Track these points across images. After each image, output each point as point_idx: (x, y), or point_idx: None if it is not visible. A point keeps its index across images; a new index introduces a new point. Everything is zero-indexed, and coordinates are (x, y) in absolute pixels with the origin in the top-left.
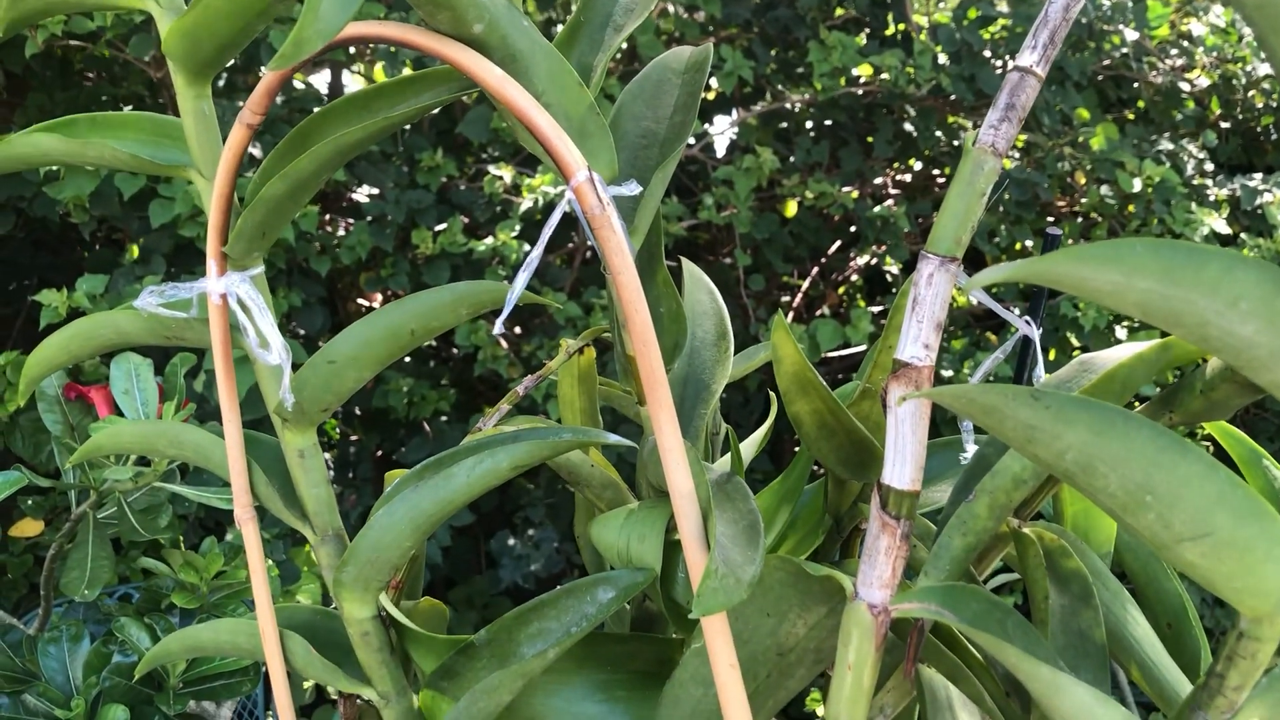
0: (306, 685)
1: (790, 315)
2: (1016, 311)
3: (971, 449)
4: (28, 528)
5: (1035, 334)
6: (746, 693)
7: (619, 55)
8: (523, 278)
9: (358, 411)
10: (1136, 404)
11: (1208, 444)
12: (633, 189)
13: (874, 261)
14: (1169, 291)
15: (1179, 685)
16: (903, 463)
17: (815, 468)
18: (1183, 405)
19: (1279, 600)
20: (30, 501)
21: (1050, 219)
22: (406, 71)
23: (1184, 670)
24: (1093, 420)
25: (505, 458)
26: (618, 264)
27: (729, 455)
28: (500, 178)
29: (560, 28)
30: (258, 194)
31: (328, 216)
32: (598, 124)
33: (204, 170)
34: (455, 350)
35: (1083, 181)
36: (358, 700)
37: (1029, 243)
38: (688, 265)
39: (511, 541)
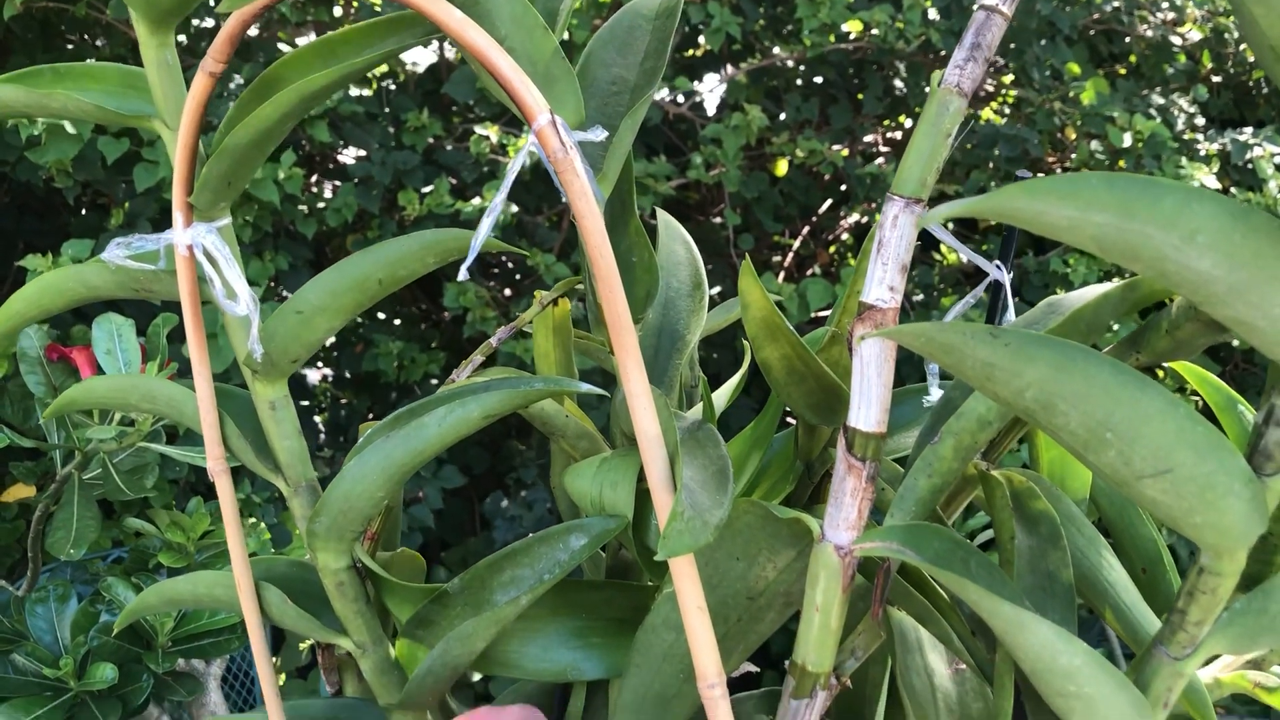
0: (303, 646)
1: (781, 274)
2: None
3: (936, 393)
4: (19, 492)
5: (1005, 278)
6: (716, 637)
7: (603, 10)
8: (486, 223)
9: (348, 375)
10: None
11: (1196, 399)
12: (599, 135)
13: (864, 220)
14: (1125, 225)
15: (1152, 627)
16: (868, 405)
17: (787, 415)
18: (1149, 345)
19: (1239, 535)
20: (22, 466)
21: (1040, 175)
22: None
23: (1157, 613)
24: (1052, 357)
25: (476, 407)
26: (581, 208)
27: (701, 404)
28: (486, 138)
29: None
30: (222, 143)
31: (314, 178)
32: (563, 68)
33: (169, 121)
34: (445, 313)
35: (1073, 137)
36: (335, 650)
37: None
38: (663, 216)
39: (504, 503)
